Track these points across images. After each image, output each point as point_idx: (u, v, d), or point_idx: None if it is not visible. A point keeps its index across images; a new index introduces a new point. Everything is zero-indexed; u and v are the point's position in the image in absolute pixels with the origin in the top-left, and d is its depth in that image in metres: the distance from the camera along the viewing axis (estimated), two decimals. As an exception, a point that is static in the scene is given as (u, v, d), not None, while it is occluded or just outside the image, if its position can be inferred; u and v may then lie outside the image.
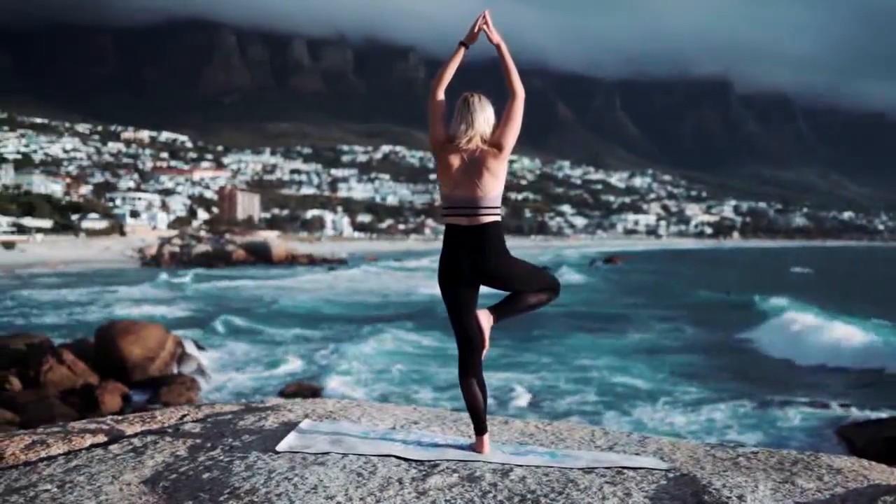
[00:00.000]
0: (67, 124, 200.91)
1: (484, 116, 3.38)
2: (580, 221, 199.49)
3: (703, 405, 15.55)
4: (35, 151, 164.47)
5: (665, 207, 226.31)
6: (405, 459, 3.22)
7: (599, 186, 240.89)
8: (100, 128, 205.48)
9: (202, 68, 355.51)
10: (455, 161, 3.37)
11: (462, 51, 3.48)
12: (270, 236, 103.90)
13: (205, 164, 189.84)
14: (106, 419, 3.90)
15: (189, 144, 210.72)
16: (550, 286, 3.49)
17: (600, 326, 28.94)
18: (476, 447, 3.35)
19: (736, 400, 15.84)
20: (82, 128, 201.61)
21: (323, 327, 26.96)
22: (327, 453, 3.29)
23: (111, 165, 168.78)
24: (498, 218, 3.38)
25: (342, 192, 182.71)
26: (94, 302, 35.24)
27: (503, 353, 22.63)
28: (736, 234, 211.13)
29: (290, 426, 3.70)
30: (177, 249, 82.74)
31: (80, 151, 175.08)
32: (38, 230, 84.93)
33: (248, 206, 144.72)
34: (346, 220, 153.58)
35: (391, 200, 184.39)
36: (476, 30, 3.42)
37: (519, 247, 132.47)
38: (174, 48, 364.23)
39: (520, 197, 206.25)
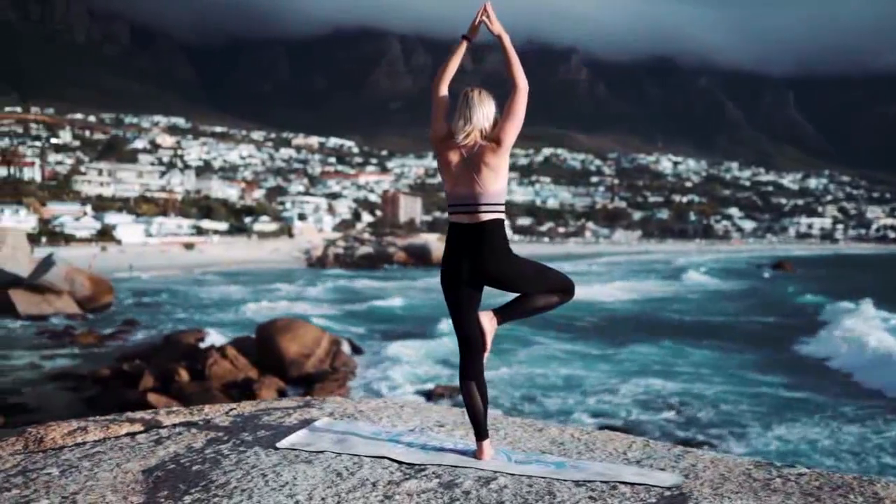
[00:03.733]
0: (244, 132, 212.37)
1: (483, 112, 3.28)
2: (748, 225, 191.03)
3: (855, 423, 14.66)
4: (215, 158, 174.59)
5: (842, 210, 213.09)
6: (398, 462, 3.18)
7: (770, 188, 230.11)
8: (273, 135, 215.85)
9: (368, 76, 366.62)
10: (454, 157, 3.29)
11: (464, 44, 3.39)
12: (431, 239, 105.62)
13: (370, 168, 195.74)
14: (159, 410, 4.05)
15: (355, 150, 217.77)
16: (562, 287, 3.34)
17: (751, 335, 27.82)
18: (476, 453, 3.25)
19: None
20: (257, 135, 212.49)
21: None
22: (323, 452, 3.29)
23: (283, 171, 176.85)
24: (500, 215, 3.27)
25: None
26: (258, 300, 37.03)
27: (652, 358, 22.17)
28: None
29: (307, 423, 3.73)
30: (341, 251, 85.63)
31: (255, 158, 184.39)
32: (215, 232, 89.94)
33: (410, 209, 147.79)
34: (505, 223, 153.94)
35: (551, 203, 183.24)
36: (477, 22, 3.33)
37: (682, 251, 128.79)
38: (341, 57, 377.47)
39: (684, 199, 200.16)
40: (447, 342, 23.69)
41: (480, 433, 3.24)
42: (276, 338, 20.91)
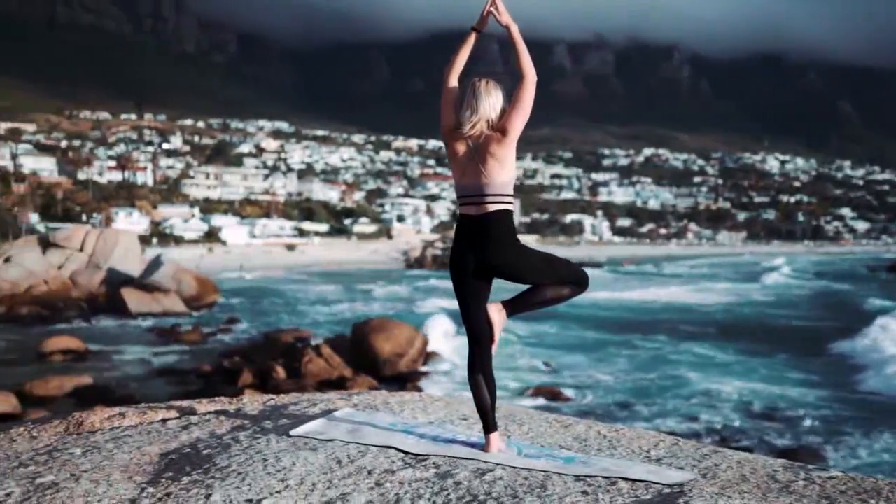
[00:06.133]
0: (345, 136, 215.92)
1: (489, 102, 3.30)
2: (862, 226, 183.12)
3: None
4: (316, 161, 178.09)
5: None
6: (404, 452, 3.17)
7: (886, 187, 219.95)
8: (373, 138, 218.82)
9: (465, 77, 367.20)
10: (461, 148, 3.29)
11: (473, 36, 3.45)
12: (528, 240, 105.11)
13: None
14: (202, 400, 4.16)
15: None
16: (573, 279, 3.25)
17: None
18: (484, 446, 3.21)
19: None
20: (358, 138, 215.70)
21: (574, 337, 27.03)
22: (333, 440, 3.31)
23: (382, 173, 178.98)
24: (507, 206, 3.23)
25: (602, 197, 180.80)
26: (354, 300, 37.78)
27: (747, 363, 21.70)
28: None
29: (327, 414, 3.77)
30: (438, 252, 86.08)
31: (356, 160, 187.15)
32: (316, 233, 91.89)
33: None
34: (605, 225, 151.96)
35: (652, 204, 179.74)
36: (485, 13, 3.36)
37: (789, 253, 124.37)
38: (439, 60, 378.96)
39: (792, 199, 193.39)
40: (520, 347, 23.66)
41: (489, 426, 3.22)
42: (370, 337, 21.30)
